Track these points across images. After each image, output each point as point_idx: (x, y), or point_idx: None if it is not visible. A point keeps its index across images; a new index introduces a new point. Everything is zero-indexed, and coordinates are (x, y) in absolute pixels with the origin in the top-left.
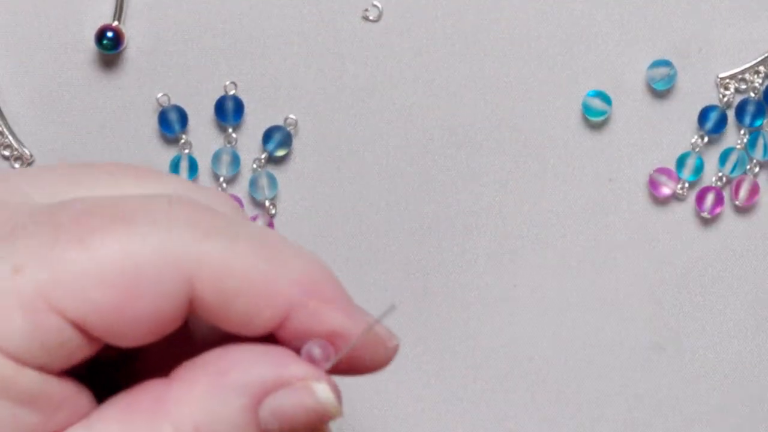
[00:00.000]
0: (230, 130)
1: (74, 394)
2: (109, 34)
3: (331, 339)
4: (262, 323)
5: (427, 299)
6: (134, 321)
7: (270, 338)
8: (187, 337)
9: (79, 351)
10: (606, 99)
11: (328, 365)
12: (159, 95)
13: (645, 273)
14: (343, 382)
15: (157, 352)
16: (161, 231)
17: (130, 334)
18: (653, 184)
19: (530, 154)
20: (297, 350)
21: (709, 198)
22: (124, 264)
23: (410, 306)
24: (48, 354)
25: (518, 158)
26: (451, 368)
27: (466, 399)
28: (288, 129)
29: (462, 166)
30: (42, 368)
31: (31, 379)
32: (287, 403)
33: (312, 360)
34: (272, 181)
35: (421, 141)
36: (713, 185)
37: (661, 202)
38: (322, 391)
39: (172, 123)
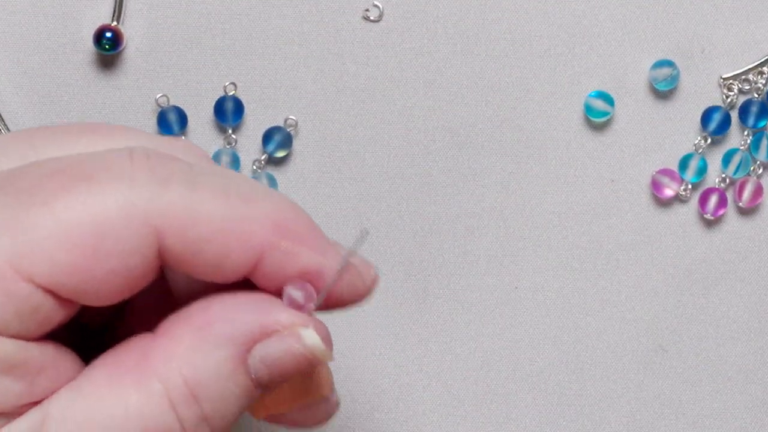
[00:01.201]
0: (230, 131)
1: (56, 358)
2: (108, 34)
3: (308, 278)
4: (234, 268)
5: (428, 301)
6: (104, 279)
7: (248, 285)
8: (167, 293)
9: (54, 315)
10: (608, 100)
11: (312, 306)
12: (158, 96)
13: (647, 275)
14: (343, 383)
15: (140, 312)
16: (123, 186)
17: (102, 293)
18: (656, 185)
19: (532, 155)
20: (276, 293)
21: (713, 199)
22: (88, 224)
23: (411, 307)
24: (22, 321)
25: (520, 159)
26: (452, 370)
27: (467, 401)
28: (288, 130)
29: (463, 167)
30: (18, 336)
31: (7, 347)
32: (275, 351)
33: (295, 304)
34: (272, 183)
35: (422, 142)
36: (716, 186)
37: (663, 203)
38: (309, 337)
39: (171, 124)
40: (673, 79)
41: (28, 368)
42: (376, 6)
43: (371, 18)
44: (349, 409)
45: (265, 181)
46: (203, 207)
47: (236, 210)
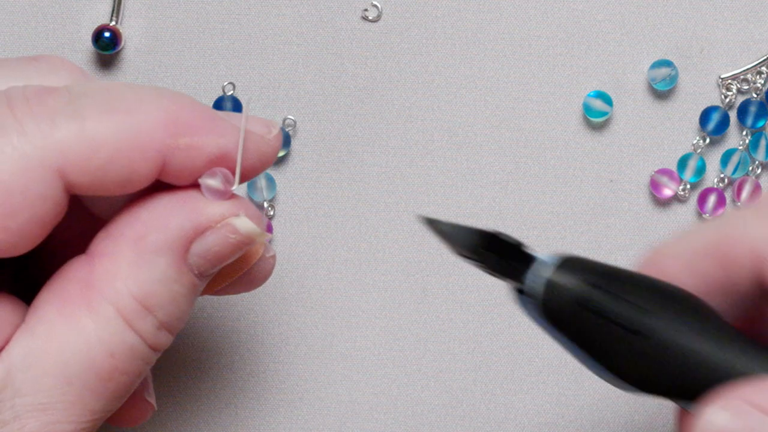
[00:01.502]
0: None
1: (1, 310)
2: (107, 34)
3: (217, 163)
4: (141, 178)
5: (427, 301)
6: (19, 233)
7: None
8: (83, 211)
9: None
10: (607, 100)
11: (233, 188)
12: None
13: None
14: (342, 383)
15: (59, 233)
16: (13, 139)
17: (19, 245)
18: (655, 185)
19: (531, 155)
20: (193, 186)
21: (711, 199)
22: None
23: (410, 307)
24: None
25: (518, 159)
26: (450, 370)
27: (465, 401)
28: (287, 130)
29: (462, 166)
30: None
31: None
32: (212, 244)
33: (216, 192)
34: (271, 183)
35: (420, 142)
36: (715, 186)
37: (662, 203)
38: (242, 224)
39: None
40: (672, 79)
41: None
42: (374, 6)
43: (370, 18)
44: (348, 409)
45: (264, 181)
46: (94, 133)
47: (126, 123)
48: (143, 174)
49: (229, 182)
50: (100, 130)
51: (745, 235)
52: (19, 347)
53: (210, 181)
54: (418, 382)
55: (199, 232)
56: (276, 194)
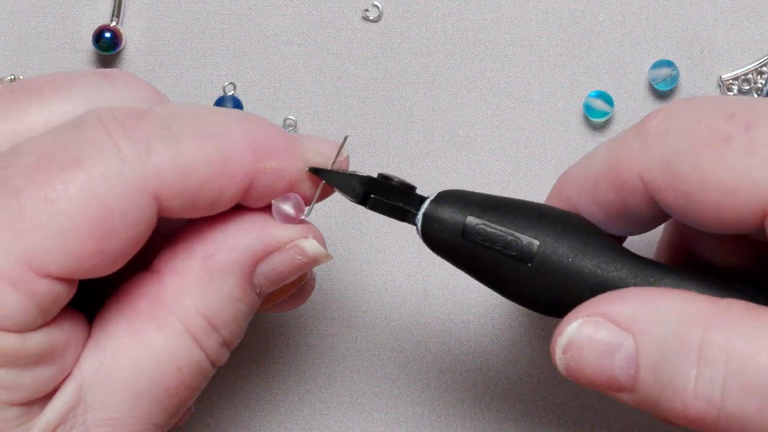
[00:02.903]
0: None
1: (72, 328)
2: (107, 34)
3: (293, 189)
4: (228, 201)
5: (427, 301)
6: (115, 253)
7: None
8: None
9: (69, 294)
10: (608, 100)
11: (304, 215)
12: None
13: None
14: (342, 384)
15: None
16: (113, 163)
17: (114, 264)
18: None
19: (531, 155)
20: (263, 209)
21: None
22: (92, 210)
23: (410, 307)
24: (45, 313)
25: (519, 159)
26: (451, 371)
27: (467, 402)
28: (287, 130)
29: (463, 167)
30: (43, 325)
31: (38, 341)
32: (280, 265)
33: (287, 218)
34: None
35: (421, 142)
36: None
37: None
38: (311, 246)
39: None
40: (673, 80)
41: (58, 350)
42: (375, 6)
43: (370, 18)
44: (348, 409)
45: None
46: (188, 158)
47: (217, 148)
48: (230, 197)
49: (300, 209)
50: (193, 155)
51: (632, 162)
52: (89, 363)
53: (284, 206)
54: (418, 382)
55: (268, 253)
56: None
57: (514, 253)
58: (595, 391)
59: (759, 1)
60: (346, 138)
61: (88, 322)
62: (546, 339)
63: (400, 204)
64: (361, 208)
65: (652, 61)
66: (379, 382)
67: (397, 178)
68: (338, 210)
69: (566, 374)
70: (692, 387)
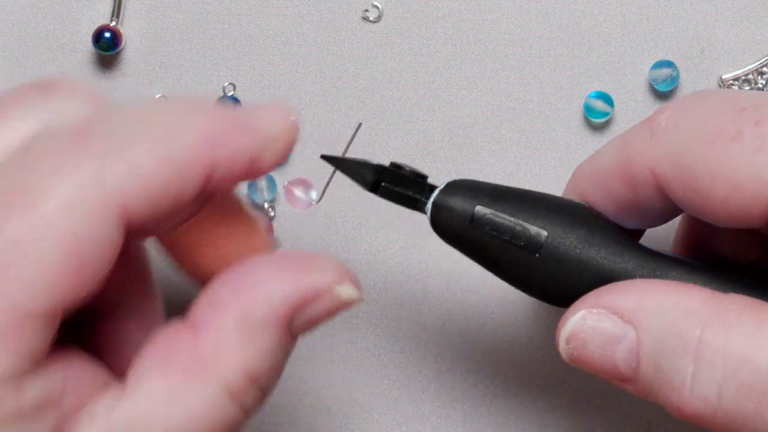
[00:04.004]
0: None
1: (70, 367)
2: (107, 34)
3: (255, 163)
4: (192, 195)
5: (427, 301)
6: (89, 281)
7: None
8: (140, 262)
9: (53, 329)
10: (608, 100)
11: (315, 201)
12: (157, 96)
13: None
14: (342, 384)
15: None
16: (72, 192)
17: (91, 293)
18: None
19: (532, 155)
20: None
21: None
22: (66, 242)
23: (410, 308)
24: (36, 355)
25: (519, 160)
26: (451, 371)
27: (466, 402)
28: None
29: (463, 167)
30: (35, 366)
31: (34, 388)
32: (317, 313)
33: (300, 202)
34: (271, 183)
35: (421, 142)
36: None
37: None
38: (347, 292)
39: None
40: (673, 80)
41: (50, 397)
42: (375, 6)
43: (370, 18)
44: (348, 410)
45: (264, 181)
46: (145, 166)
47: (172, 150)
48: (193, 191)
49: (309, 189)
50: (150, 163)
51: (642, 156)
52: (122, 414)
53: (295, 190)
54: (418, 382)
55: (306, 303)
56: (276, 195)
57: (522, 243)
58: (595, 392)
59: (759, 1)
60: (359, 125)
61: (82, 353)
62: (546, 340)
63: (410, 193)
64: (361, 209)
65: (653, 62)
66: (379, 383)
67: (408, 167)
68: (338, 210)
69: (570, 363)
70: (689, 385)
